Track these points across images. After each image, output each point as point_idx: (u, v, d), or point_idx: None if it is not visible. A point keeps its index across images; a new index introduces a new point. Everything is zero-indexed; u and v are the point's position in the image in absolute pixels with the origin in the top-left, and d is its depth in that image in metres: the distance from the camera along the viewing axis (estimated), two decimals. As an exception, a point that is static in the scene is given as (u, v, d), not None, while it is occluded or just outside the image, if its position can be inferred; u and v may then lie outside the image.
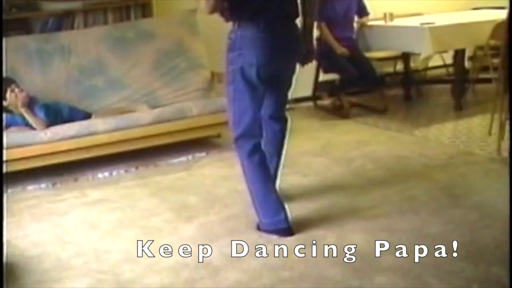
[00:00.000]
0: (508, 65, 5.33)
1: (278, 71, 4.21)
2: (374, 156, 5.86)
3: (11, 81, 6.07)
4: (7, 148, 5.61)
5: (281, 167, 4.61)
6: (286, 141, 4.60)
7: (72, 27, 7.18)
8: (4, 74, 6.20)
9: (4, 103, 5.97)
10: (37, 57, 6.64)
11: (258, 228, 4.34)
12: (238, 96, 4.15)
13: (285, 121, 4.57)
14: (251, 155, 4.23)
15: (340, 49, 7.41)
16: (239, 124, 4.20)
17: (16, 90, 5.96)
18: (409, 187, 4.98)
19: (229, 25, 4.21)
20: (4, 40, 6.66)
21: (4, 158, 5.37)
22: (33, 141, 5.76)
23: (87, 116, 6.23)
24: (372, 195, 4.89)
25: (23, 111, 5.89)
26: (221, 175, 5.64)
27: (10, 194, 5.68)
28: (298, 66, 4.39)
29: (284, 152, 4.61)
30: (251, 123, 4.20)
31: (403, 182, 5.11)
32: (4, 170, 5.56)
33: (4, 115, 5.95)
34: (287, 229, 4.24)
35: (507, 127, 5.61)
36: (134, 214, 4.93)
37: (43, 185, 5.83)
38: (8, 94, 5.93)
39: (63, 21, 7.17)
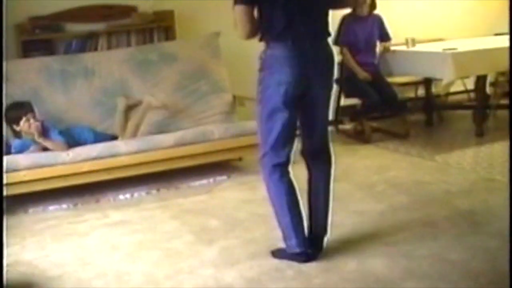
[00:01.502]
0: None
1: (309, 92, 4.12)
2: (395, 181, 5.85)
3: (27, 108, 6.06)
4: (30, 168, 5.66)
5: (329, 214, 4.39)
6: (331, 184, 4.40)
7: (95, 49, 7.24)
8: (18, 97, 6.28)
9: (17, 128, 6.02)
10: (60, 78, 6.66)
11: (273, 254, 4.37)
12: (266, 116, 4.13)
13: (328, 152, 4.39)
14: (272, 173, 4.19)
15: (362, 74, 7.42)
16: (265, 142, 4.17)
17: (31, 120, 5.96)
18: (430, 213, 4.97)
19: (255, 47, 4.23)
20: (26, 60, 6.75)
21: (4, 167, 5.38)
22: (55, 161, 5.78)
23: (112, 139, 6.26)
24: (393, 220, 4.88)
25: (40, 140, 5.91)
26: (242, 199, 5.65)
27: (31, 214, 5.72)
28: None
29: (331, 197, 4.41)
30: (277, 142, 4.14)
31: (424, 208, 5.10)
32: (26, 190, 5.63)
33: (16, 141, 6.01)
34: (303, 254, 4.22)
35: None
36: (155, 236, 4.94)
37: (64, 206, 5.85)
38: (22, 123, 5.95)
39: (86, 42, 7.24)
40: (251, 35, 4.05)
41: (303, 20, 4.05)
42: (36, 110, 6.10)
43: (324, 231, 4.35)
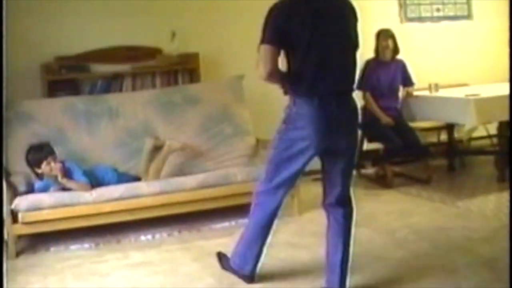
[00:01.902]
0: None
1: (333, 145, 4.14)
2: (417, 227, 5.83)
3: (46, 150, 6.10)
4: (53, 207, 5.72)
5: (349, 264, 4.36)
6: (352, 231, 4.39)
7: (120, 90, 7.32)
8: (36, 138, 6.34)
9: (39, 171, 6.06)
10: (85, 118, 6.72)
11: (222, 266, 4.74)
12: (277, 161, 4.23)
13: (349, 205, 4.38)
14: (269, 215, 4.39)
15: (385, 119, 7.44)
16: (269, 182, 4.31)
17: (52, 164, 6.00)
18: (451, 260, 4.93)
19: (278, 91, 4.28)
20: (52, 100, 6.82)
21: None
22: (78, 201, 5.82)
23: (135, 180, 6.29)
24: (414, 267, 4.85)
25: (63, 182, 5.94)
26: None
27: (53, 252, 5.77)
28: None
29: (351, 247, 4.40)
30: (279, 186, 4.30)
31: (445, 254, 5.07)
32: (48, 228, 5.70)
33: (39, 183, 6.06)
34: (248, 277, 4.57)
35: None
36: (176, 278, 4.94)
37: (86, 245, 5.89)
38: (43, 166, 5.98)
39: (111, 83, 7.33)
40: (270, 76, 4.04)
41: (331, 76, 4.07)
42: (56, 151, 6.15)
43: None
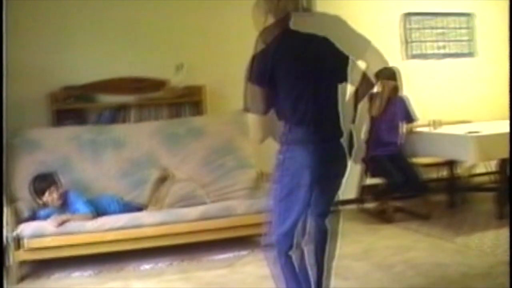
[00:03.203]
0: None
1: (324, 189, 4.18)
2: (415, 262, 5.85)
3: (50, 180, 6.19)
4: (56, 234, 5.79)
5: (325, 273, 4.45)
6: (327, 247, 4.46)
7: (126, 121, 7.41)
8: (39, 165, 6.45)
9: (41, 201, 6.15)
10: (90, 148, 6.82)
11: None
12: (285, 195, 4.11)
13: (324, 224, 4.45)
14: (287, 262, 4.22)
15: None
16: (282, 224, 4.16)
17: (54, 194, 6.10)
18: (447, 296, 4.98)
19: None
20: (58, 129, 6.94)
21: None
22: (81, 229, 5.89)
23: (138, 210, 6.36)
24: (410, 302, 4.91)
25: (67, 219, 5.97)
26: (263, 275, 5.48)
27: (55, 279, 5.83)
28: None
29: (326, 258, 4.46)
30: (293, 224, 4.17)
31: (441, 290, 5.11)
32: (51, 255, 5.77)
33: (42, 212, 6.11)
34: None
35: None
36: (176, 308, 4.99)
37: (87, 273, 5.95)
38: (46, 196, 6.07)
39: (117, 114, 7.42)
40: (265, 138, 4.15)
41: (319, 121, 4.06)
42: (61, 179, 6.24)
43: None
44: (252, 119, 4.11)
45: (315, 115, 4.04)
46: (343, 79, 4.20)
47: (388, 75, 7.46)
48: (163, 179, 6.57)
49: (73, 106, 7.25)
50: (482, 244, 6.35)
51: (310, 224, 4.42)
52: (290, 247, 4.23)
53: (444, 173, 8.54)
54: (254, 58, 4.08)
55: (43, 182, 6.15)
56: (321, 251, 4.44)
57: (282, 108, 4.08)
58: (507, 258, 5.81)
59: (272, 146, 4.24)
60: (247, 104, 4.17)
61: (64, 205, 6.14)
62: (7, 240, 5.62)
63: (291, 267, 4.26)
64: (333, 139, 4.17)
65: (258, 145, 4.15)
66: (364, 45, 4.29)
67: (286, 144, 4.07)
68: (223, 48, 7.86)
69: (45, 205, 6.13)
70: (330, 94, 4.15)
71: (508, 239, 6.33)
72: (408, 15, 9.04)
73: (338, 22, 4.27)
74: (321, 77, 4.09)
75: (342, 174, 4.29)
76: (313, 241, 4.45)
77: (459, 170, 8.26)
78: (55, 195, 6.09)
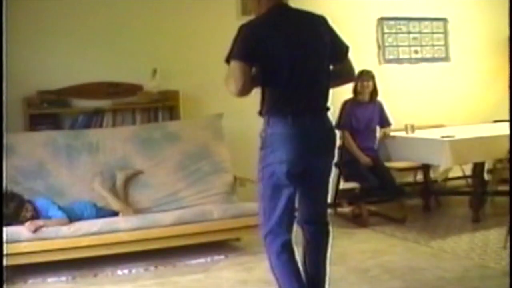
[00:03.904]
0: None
1: (310, 167, 4.07)
2: (390, 266, 5.87)
3: (17, 200, 6.08)
4: (31, 240, 5.76)
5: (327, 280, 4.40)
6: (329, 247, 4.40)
7: (101, 125, 7.39)
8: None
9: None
10: (65, 153, 6.81)
11: None
12: (269, 193, 4.07)
13: (324, 224, 4.39)
14: (280, 253, 4.11)
15: (364, 159, 7.53)
16: (268, 221, 4.10)
17: (28, 212, 6.03)
18: (422, 300, 5.01)
19: (256, 129, 4.15)
20: (33, 134, 6.91)
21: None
22: (56, 235, 5.86)
23: (113, 215, 6.34)
24: (385, 306, 4.92)
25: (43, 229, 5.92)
26: (239, 279, 5.67)
27: (31, 284, 5.80)
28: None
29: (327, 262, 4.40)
30: (280, 220, 4.09)
31: (417, 293, 5.13)
32: (26, 261, 5.74)
33: None
34: None
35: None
36: (150, 313, 4.98)
37: (63, 278, 5.91)
38: (27, 225, 5.88)
39: (92, 118, 7.40)
40: (244, 91, 3.91)
41: (304, 94, 4.02)
42: (24, 197, 6.17)
43: None
44: (232, 67, 3.89)
45: (302, 91, 4.01)
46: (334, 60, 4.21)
47: (369, 77, 7.65)
48: (129, 179, 6.60)
49: (48, 111, 7.23)
50: (457, 248, 6.39)
51: (304, 234, 4.36)
52: (288, 241, 4.14)
53: (419, 177, 8.60)
54: (240, 30, 4.00)
55: (12, 202, 6.03)
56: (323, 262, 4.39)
57: (269, 82, 4.00)
58: (482, 261, 5.87)
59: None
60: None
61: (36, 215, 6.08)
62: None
63: (282, 266, 4.16)
64: (319, 112, 4.13)
65: (238, 96, 3.88)
66: (346, 50, 4.30)
67: (270, 118, 4.02)
68: (198, 54, 7.89)
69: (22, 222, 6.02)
70: (320, 72, 4.13)
71: (483, 243, 6.42)
72: (383, 19, 9.08)
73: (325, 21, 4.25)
74: (313, 53, 4.08)
75: (330, 148, 4.23)
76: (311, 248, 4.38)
77: (434, 174, 8.26)
78: (29, 213, 6.04)
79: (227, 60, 3.96)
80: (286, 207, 4.09)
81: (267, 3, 4.11)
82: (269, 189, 4.07)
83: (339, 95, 7.62)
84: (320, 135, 4.10)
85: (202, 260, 6.30)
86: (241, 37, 3.96)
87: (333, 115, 7.26)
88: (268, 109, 4.05)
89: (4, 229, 5.71)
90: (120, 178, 6.65)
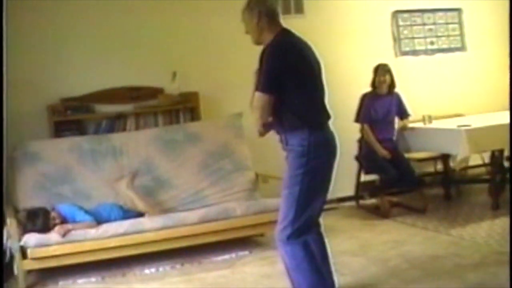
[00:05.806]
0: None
1: (331, 171, 4.42)
2: (410, 255, 5.94)
3: (43, 214, 6.13)
4: (60, 244, 5.88)
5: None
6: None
7: (124, 129, 7.50)
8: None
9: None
10: (90, 157, 6.92)
11: None
12: (304, 197, 4.26)
13: (320, 229, 4.57)
14: (307, 247, 4.32)
15: (382, 152, 7.59)
16: (299, 219, 4.27)
17: (56, 220, 6.13)
18: (440, 286, 5.07)
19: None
20: (58, 140, 7.04)
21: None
22: (85, 238, 5.98)
23: (139, 216, 6.44)
24: (405, 294, 5.00)
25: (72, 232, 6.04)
26: (263, 274, 5.74)
27: (62, 286, 5.95)
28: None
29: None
30: (311, 219, 4.36)
31: (435, 281, 5.18)
32: (56, 263, 5.87)
33: None
34: None
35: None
36: (179, 310, 5.06)
37: (93, 279, 6.04)
38: (56, 230, 5.98)
39: (115, 123, 7.51)
40: (263, 125, 4.29)
41: (324, 106, 4.42)
42: (49, 208, 6.27)
43: None
44: (261, 100, 4.19)
45: (323, 103, 4.40)
46: None
47: (385, 70, 7.68)
48: (131, 181, 6.72)
49: (72, 117, 7.32)
50: (476, 235, 6.44)
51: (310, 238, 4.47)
52: (308, 239, 4.36)
53: (439, 166, 8.66)
54: (272, 54, 4.27)
55: (37, 219, 6.08)
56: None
57: (294, 100, 4.27)
58: (500, 248, 5.92)
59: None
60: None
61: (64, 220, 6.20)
62: (10, 251, 5.74)
63: (310, 258, 4.37)
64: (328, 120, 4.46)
65: (260, 124, 4.25)
66: None
67: (307, 129, 4.25)
68: (216, 55, 8.00)
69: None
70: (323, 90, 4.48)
71: (502, 229, 6.47)
72: (397, 12, 9.14)
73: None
74: (318, 72, 4.44)
75: None
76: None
77: (454, 163, 8.30)
78: (57, 220, 6.14)
79: (258, 88, 4.22)
80: (319, 209, 4.42)
81: (274, 29, 4.40)
82: (305, 193, 4.28)
83: (358, 89, 7.75)
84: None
85: (226, 256, 6.40)
86: (273, 66, 4.22)
87: (351, 108, 7.43)
88: (303, 122, 4.26)
89: (34, 233, 5.89)
90: (122, 188, 6.68)
